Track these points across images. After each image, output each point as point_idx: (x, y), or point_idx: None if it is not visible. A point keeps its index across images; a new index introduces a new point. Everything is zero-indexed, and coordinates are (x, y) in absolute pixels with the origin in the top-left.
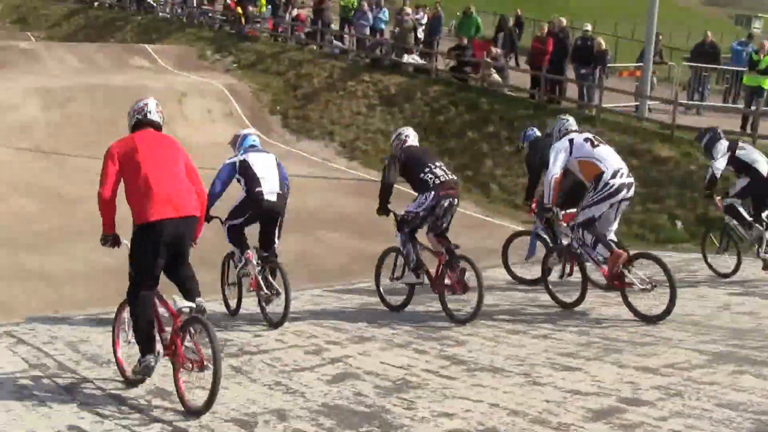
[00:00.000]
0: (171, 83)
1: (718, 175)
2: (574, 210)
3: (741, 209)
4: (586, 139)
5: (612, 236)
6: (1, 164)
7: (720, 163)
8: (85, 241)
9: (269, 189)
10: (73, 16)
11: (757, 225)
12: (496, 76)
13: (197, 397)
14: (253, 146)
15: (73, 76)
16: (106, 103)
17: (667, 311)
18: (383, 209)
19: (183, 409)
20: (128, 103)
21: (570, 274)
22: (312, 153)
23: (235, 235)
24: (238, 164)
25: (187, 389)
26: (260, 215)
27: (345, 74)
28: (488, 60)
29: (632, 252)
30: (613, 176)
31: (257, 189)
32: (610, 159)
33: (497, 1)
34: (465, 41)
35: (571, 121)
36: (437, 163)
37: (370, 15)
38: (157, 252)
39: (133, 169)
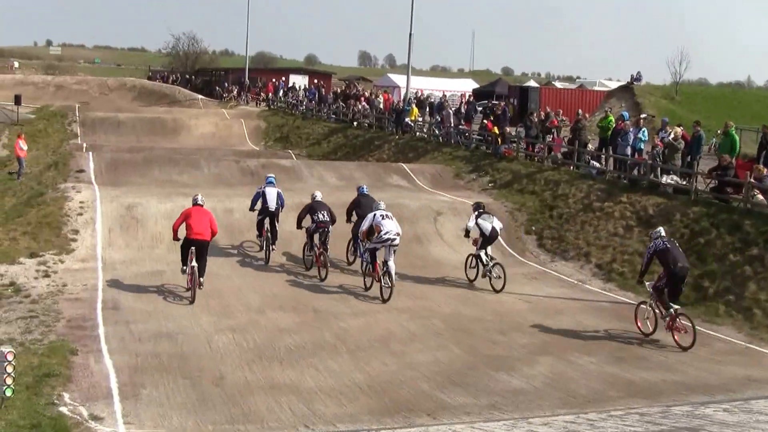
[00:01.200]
0: (427, 202)
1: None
2: None
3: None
4: None
5: None
6: (260, 278)
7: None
8: (336, 356)
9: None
10: (333, 135)
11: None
12: (761, 197)
13: None
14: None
15: (332, 192)
16: None
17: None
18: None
19: None
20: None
21: None
22: (567, 274)
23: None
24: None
25: None
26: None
27: (602, 195)
28: (752, 180)
29: None
30: None
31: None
32: None
33: (760, 116)
34: (727, 160)
35: None
36: None
37: (631, 135)
38: (192, 245)
39: (186, 217)
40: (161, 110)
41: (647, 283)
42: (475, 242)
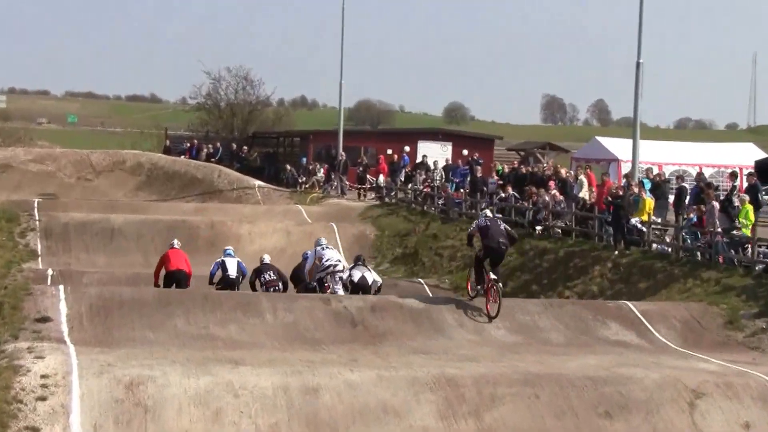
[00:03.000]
0: (675, 373)
1: None
2: None
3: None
4: None
5: None
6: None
7: None
8: None
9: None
10: None
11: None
12: None
13: None
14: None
15: (502, 354)
16: None
17: None
18: None
19: None
20: None
21: None
22: None
23: None
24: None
25: None
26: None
27: None
28: None
29: None
30: None
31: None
32: None
33: None
34: None
35: None
36: None
37: None
38: (172, 280)
39: (166, 259)
40: (188, 207)
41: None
42: None
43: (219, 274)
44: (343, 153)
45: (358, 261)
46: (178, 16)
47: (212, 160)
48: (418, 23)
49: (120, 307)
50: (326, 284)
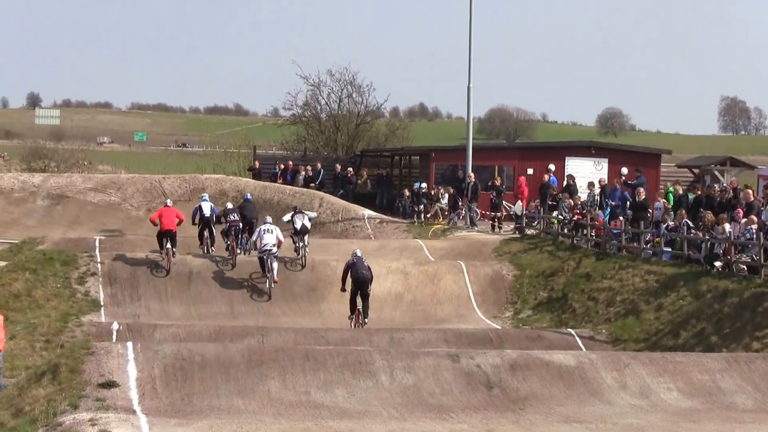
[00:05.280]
0: None
1: None
2: None
3: None
4: None
5: None
6: None
7: None
8: None
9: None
10: (666, 291)
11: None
12: None
13: None
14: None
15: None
16: None
17: None
18: None
19: None
20: None
21: None
22: None
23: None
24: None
25: None
26: None
27: None
28: None
29: None
30: None
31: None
32: None
33: None
34: None
35: None
36: None
37: None
38: (164, 237)
39: (159, 215)
40: (283, 244)
41: None
42: None
43: (198, 217)
44: (472, 174)
45: (296, 210)
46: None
47: (312, 185)
48: (562, 12)
49: (201, 368)
50: (266, 263)
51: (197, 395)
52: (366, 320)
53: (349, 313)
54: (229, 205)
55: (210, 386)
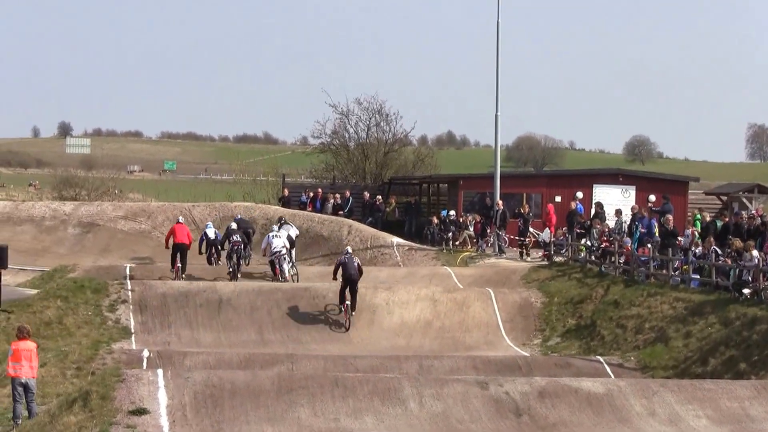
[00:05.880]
0: None
1: None
2: None
3: None
4: None
5: None
6: None
7: None
8: None
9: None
10: (694, 318)
11: None
12: None
13: None
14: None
15: None
16: None
17: None
18: None
19: None
20: None
21: None
22: None
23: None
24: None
25: None
26: None
27: None
28: None
29: None
30: None
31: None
32: None
33: None
34: None
35: None
36: None
37: None
38: (177, 250)
39: (173, 232)
40: (312, 272)
41: None
42: None
43: (205, 245)
44: (500, 201)
45: (281, 221)
46: (295, 38)
47: (340, 213)
48: (590, 39)
49: (232, 395)
50: (276, 266)
51: (227, 422)
52: (353, 312)
53: (338, 303)
54: (233, 225)
55: (240, 413)
